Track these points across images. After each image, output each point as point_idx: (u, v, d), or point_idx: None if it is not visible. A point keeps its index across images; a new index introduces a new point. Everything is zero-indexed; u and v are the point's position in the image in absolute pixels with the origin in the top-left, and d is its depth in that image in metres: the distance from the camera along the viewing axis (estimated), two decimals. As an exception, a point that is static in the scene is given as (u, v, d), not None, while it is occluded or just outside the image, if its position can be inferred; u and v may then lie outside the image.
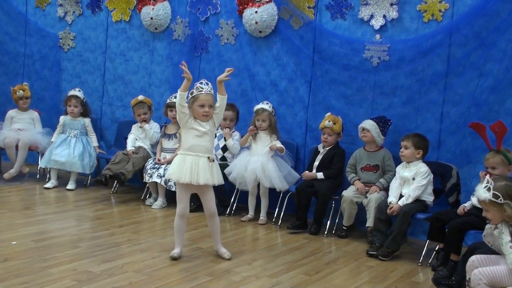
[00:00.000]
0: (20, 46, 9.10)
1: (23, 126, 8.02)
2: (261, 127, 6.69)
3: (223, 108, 5.15)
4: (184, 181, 4.96)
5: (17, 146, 7.86)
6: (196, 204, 6.85)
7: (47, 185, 7.59)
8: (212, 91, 5.07)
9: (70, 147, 7.63)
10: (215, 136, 7.05)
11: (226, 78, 5.04)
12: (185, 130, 5.09)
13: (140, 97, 7.50)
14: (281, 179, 6.51)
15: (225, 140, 7.02)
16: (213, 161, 5.08)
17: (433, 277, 5.10)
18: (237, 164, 6.68)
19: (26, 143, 7.81)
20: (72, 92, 7.87)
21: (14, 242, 5.21)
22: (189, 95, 5.05)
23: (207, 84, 5.06)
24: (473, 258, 4.24)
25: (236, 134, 7.02)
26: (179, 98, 4.98)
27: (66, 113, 7.87)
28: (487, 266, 4.12)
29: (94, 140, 7.89)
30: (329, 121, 6.41)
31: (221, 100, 5.07)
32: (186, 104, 5.02)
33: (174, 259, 5.09)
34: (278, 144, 6.61)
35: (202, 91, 5.00)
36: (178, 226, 5.18)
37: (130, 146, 7.43)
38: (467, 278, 4.25)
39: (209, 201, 5.17)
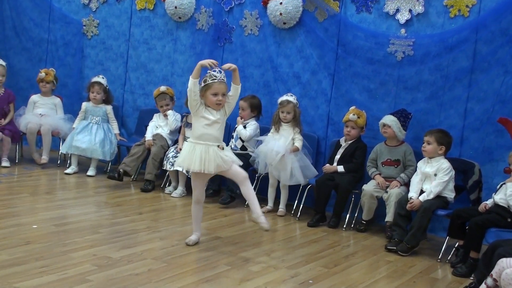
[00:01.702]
0: (44, 32, 9.15)
1: (45, 111, 8.06)
2: (285, 119, 6.66)
3: (236, 98, 5.10)
4: (194, 169, 4.95)
5: (38, 132, 7.92)
6: (212, 188, 6.89)
7: (68, 171, 7.64)
8: (225, 79, 5.01)
9: (91, 134, 7.68)
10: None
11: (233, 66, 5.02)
12: (196, 118, 5.04)
13: (162, 88, 7.51)
14: (295, 176, 6.48)
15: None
16: (223, 149, 5.02)
17: (452, 274, 5.10)
18: (266, 140, 6.65)
19: (48, 128, 7.87)
20: (95, 79, 7.92)
21: (35, 226, 5.26)
22: (202, 82, 4.99)
23: (220, 72, 4.98)
24: (503, 260, 4.19)
25: (253, 124, 6.99)
26: (192, 84, 4.93)
27: (88, 100, 7.91)
28: None
29: (115, 127, 7.93)
30: (353, 115, 6.38)
31: (235, 90, 5.04)
32: (198, 91, 4.96)
33: (189, 245, 5.13)
34: (297, 143, 6.61)
35: (215, 79, 4.93)
36: (195, 213, 5.21)
37: (149, 134, 7.47)
38: (492, 275, 4.21)
39: (235, 173, 5.05)
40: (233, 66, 5.00)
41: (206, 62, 4.95)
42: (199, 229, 5.29)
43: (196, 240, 5.21)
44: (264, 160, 6.62)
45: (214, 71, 4.97)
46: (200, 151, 4.93)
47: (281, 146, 6.50)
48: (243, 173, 5.09)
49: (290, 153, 6.52)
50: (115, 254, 4.71)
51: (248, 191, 5.09)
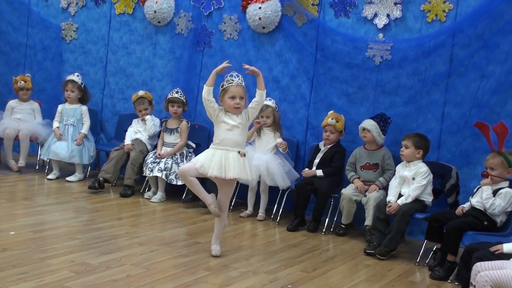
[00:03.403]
0: (22, 37, 9.08)
1: (23, 116, 8.00)
2: (265, 124, 6.68)
3: (261, 104, 5.07)
4: (212, 174, 4.89)
5: (16, 137, 7.85)
6: (192, 194, 6.87)
7: (50, 176, 7.60)
8: (243, 83, 5.01)
9: (68, 140, 7.61)
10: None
11: (255, 70, 5.00)
12: (216, 124, 5.02)
13: (141, 93, 7.48)
14: (283, 177, 6.50)
15: None
16: (244, 155, 4.98)
17: (430, 277, 5.14)
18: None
19: (26, 134, 7.81)
20: (69, 77, 7.84)
21: (13, 232, 5.21)
22: (220, 87, 5.00)
23: (238, 76, 4.98)
24: (478, 264, 4.25)
25: None
26: (206, 92, 4.91)
27: (65, 101, 7.86)
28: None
29: (84, 127, 7.73)
30: (332, 119, 6.41)
31: (260, 96, 4.99)
32: (213, 99, 4.94)
33: (217, 215, 5.10)
34: (280, 145, 6.62)
35: (232, 83, 4.93)
36: (191, 185, 5.06)
37: (128, 139, 7.44)
38: (470, 281, 4.26)
39: (224, 197, 5.12)
40: (257, 70, 4.99)
41: (219, 68, 4.93)
42: (208, 196, 5.12)
43: (215, 202, 5.10)
44: None
45: (231, 75, 4.97)
46: (220, 157, 4.91)
47: (258, 158, 6.55)
48: (223, 204, 5.14)
49: (275, 150, 6.63)
50: (94, 260, 4.68)
51: (222, 221, 5.21)
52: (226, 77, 5.01)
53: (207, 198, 5.08)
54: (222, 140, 4.95)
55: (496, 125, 5.23)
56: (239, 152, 4.96)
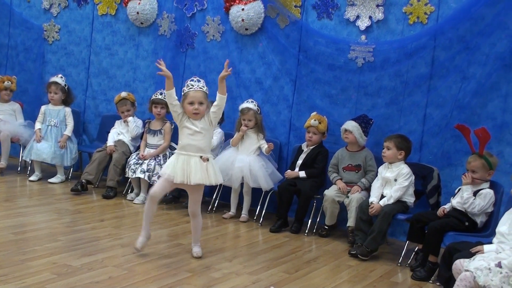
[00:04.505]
0: (4, 37, 9.02)
1: (4, 117, 7.92)
2: (248, 126, 6.68)
3: (221, 108, 5.01)
4: (176, 180, 4.87)
5: (-2, 139, 7.81)
6: (172, 194, 6.87)
7: (32, 178, 7.55)
8: (204, 88, 4.97)
9: (51, 140, 7.57)
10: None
11: (227, 73, 4.91)
12: (180, 129, 5.00)
13: (123, 94, 7.47)
14: (266, 179, 6.51)
15: None
16: (207, 160, 4.94)
17: (411, 277, 5.17)
18: (223, 160, 6.64)
19: (7, 135, 7.75)
20: (52, 79, 7.78)
21: (-7, 234, 5.19)
22: (182, 93, 4.97)
23: (199, 81, 4.96)
24: (457, 262, 4.28)
25: (218, 132, 6.95)
26: (168, 97, 4.92)
27: (49, 102, 7.81)
28: None
29: (68, 129, 7.69)
30: (314, 120, 6.43)
31: (220, 100, 4.94)
32: (177, 103, 4.92)
33: (137, 250, 5.04)
34: (269, 146, 6.62)
35: (192, 88, 4.91)
36: (147, 210, 5.07)
37: (111, 141, 7.41)
38: (457, 283, 4.29)
39: (193, 203, 5.09)
40: (225, 74, 4.90)
41: (164, 73, 4.91)
42: (148, 230, 5.13)
43: (143, 242, 5.09)
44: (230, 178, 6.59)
45: (192, 80, 4.95)
46: (182, 162, 4.89)
47: (241, 160, 6.57)
48: (195, 210, 5.11)
49: (258, 152, 6.66)
50: (75, 262, 4.66)
51: (197, 224, 5.19)
52: (187, 81, 4.99)
53: (145, 231, 5.11)
54: (185, 146, 4.93)
55: (478, 129, 5.26)
56: (201, 157, 4.93)
